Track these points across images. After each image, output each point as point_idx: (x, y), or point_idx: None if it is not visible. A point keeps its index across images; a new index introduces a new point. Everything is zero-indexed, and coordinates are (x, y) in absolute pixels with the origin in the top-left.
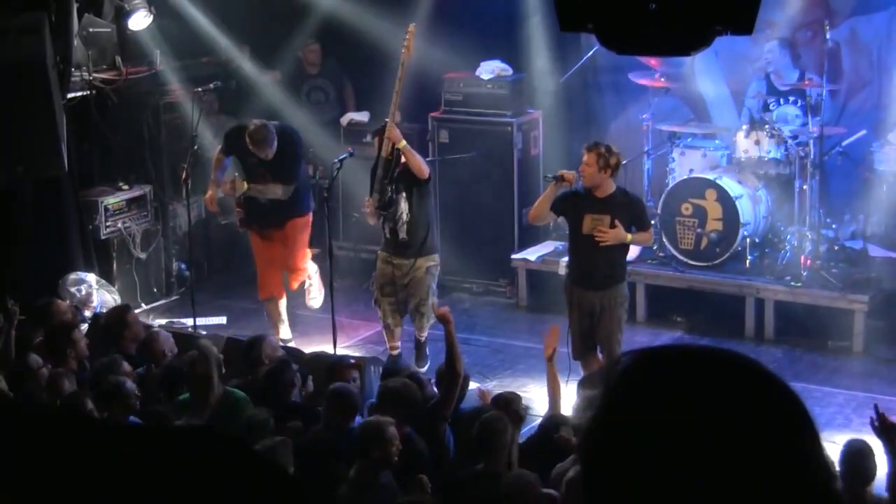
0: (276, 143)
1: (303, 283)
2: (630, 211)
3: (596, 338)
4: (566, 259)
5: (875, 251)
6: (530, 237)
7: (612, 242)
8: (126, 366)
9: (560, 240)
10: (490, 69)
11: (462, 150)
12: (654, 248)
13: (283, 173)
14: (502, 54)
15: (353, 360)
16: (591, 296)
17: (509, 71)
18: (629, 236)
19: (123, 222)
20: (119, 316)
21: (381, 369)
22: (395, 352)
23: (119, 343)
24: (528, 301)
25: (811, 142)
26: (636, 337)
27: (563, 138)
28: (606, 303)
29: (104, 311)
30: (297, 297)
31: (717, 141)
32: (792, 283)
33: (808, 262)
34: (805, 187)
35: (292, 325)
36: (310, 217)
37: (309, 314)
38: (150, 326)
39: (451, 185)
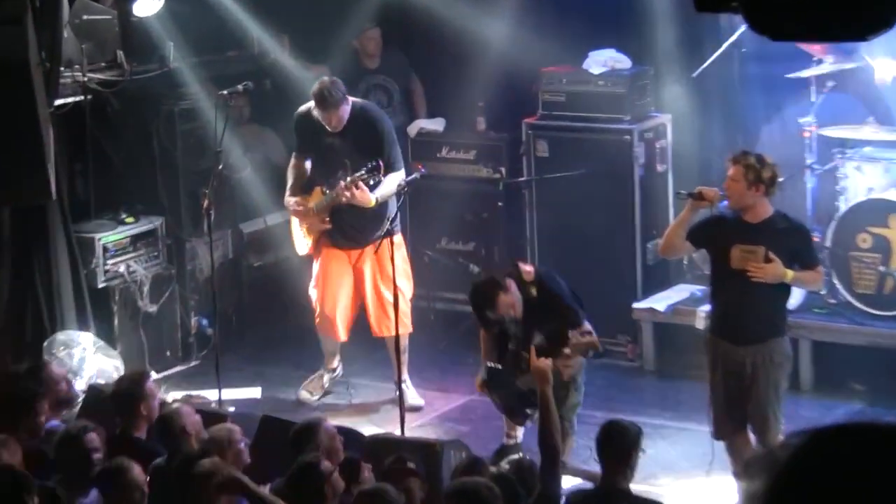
0: (349, 109)
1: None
2: (791, 242)
3: (746, 409)
4: (706, 307)
5: None
6: (657, 279)
7: (769, 281)
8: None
9: (697, 282)
10: (601, 61)
11: (566, 166)
12: (823, 292)
13: (373, 160)
14: (617, 42)
15: (412, 466)
16: (740, 352)
17: (627, 63)
18: (790, 274)
19: (128, 265)
20: (131, 386)
21: (464, 455)
22: (513, 440)
23: (130, 423)
24: (655, 364)
25: None
26: (800, 410)
27: (698, 150)
28: (760, 361)
29: (103, 381)
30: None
31: None
32: None
33: None
34: None
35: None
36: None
37: (371, 383)
38: (165, 402)
39: (552, 211)
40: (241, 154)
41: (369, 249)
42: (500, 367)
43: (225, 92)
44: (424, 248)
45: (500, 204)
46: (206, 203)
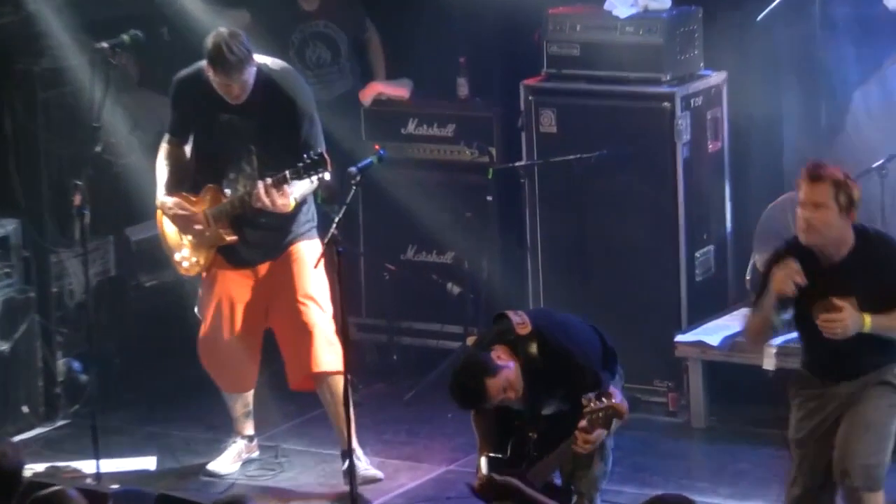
0: (255, 73)
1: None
2: (884, 275)
3: (836, 445)
4: (779, 340)
5: None
6: (709, 302)
7: (850, 334)
8: None
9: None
10: (630, 0)
11: (580, 145)
12: None
13: (282, 145)
14: None
15: None
16: (841, 389)
17: (667, 2)
18: (868, 321)
19: None
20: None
21: None
22: None
23: None
24: (706, 419)
25: None
26: None
27: (765, 121)
28: (871, 380)
29: None
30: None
31: None
32: None
33: None
34: None
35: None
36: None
37: (313, 448)
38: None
39: (562, 209)
40: (128, 132)
41: (282, 260)
42: (502, 456)
43: (104, 44)
44: (383, 261)
45: (489, 198)
46: (77, 199)
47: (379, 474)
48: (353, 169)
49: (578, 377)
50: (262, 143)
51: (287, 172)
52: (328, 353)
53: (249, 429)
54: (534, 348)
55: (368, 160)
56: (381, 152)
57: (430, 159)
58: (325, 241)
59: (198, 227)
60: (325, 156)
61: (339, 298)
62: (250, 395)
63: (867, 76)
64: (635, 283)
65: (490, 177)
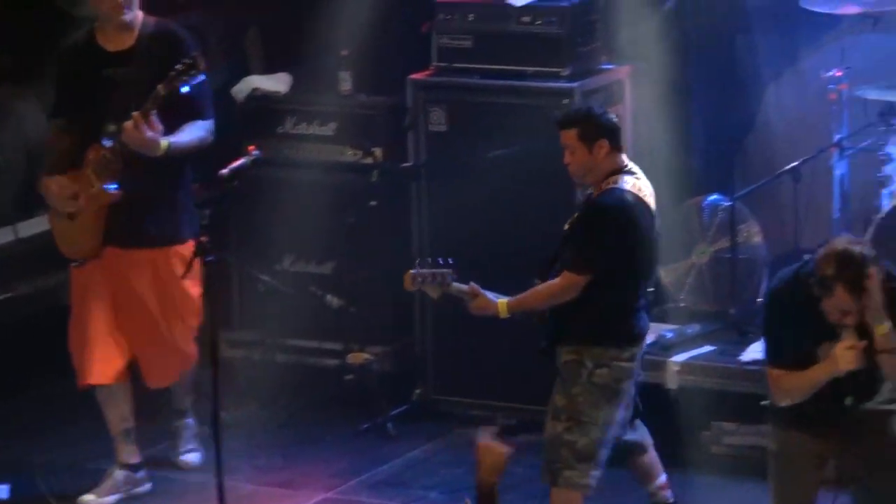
0: (140, 19)
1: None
2: None
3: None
4: (682, 356)
5: None
6: None
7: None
8: None
9: (670, 319)
10: None
11: (473, 145)
12: None
13: (180, 105)
14: None
15: None
16: (834, 433)
17: None
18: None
19: None
20: None
21: None
22: None
23: None
24: None
25: None
26: None
27: (672, 117)
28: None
29: None
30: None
31: None
32: None
33: None
34: None
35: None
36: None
37: (177, 476)
38: None
39: (454, 214)
40: None
41: (157, 254)
42: None
43: None
44: (257, 271)
45: (373, 203)
46: None
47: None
48: (224, 171)
49: None
50: (145, 92)
51: (159, 87)
52: (177, 362)
53: (132, 456)
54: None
55: (242, 161)
56: (256, 153)
57: (310, 160)
58: (194, 248)
59: (80, 198)
60: (197, 58)
61: (209, 311)
62: (128, 407)
63: (781, 71)
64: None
65: (375, 179)
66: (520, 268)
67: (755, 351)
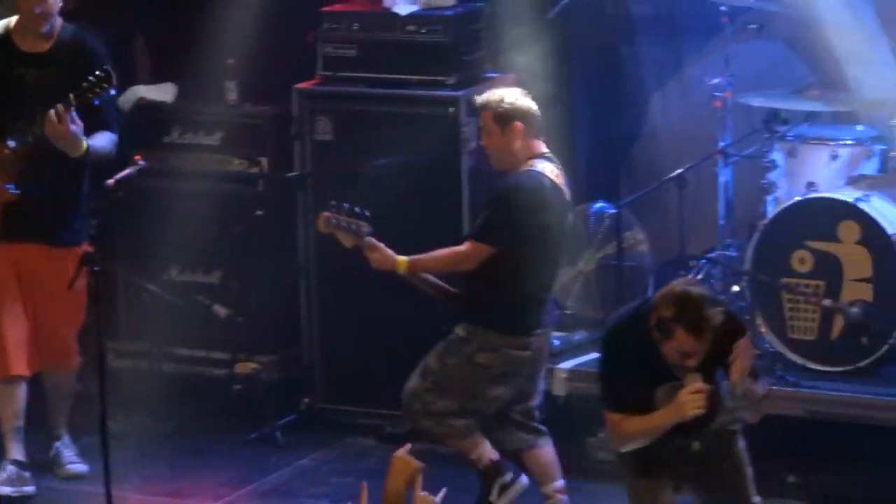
0: (59, 25)
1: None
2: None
3: None
4: (570, 363)
5: None
6: None
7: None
8: None
9: (557, 326)
10: None
11: (359, 154)
12: None
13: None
14: None
15: None
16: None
17: None
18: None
19: None
20: None
21: None
22: None
23: None
24: None
25: None
26: None
27: (559, 125)
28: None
29: None
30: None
31: (861, 127)
32: None
33: None
34: None
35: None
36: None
37: (63, 487)
38: None
39: None
40: None
41: (56, 253)
42: None
43: None
44: (144, 281)
45: (259, 213)
46: None
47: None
48: (110, 181)
49: None
50: (55, 98)
51: (71, 95)
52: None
53: (20, 453)
54: None
55: (128, 171)
56: (142, 162)
57: (196, 170)
58: (80, 258)
59: None
60: (111, 72)
61: (96, 321)
62: (21, 404)
63: (666, 78)
64: (419, 303)
65: (261, 189)
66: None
67: None
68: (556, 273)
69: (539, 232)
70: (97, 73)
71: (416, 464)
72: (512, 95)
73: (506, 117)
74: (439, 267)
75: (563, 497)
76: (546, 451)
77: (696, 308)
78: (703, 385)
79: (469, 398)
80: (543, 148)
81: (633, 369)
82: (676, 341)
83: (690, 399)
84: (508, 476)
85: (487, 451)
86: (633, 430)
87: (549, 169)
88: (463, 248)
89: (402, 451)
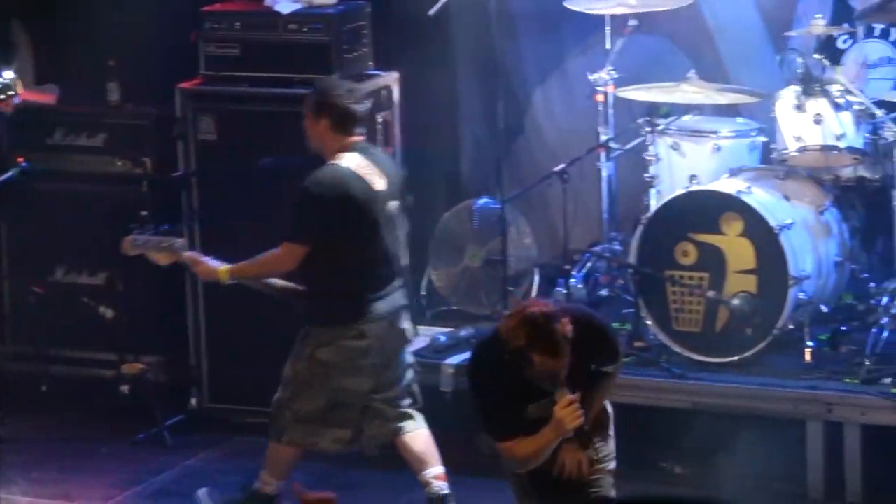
0: None
1: None
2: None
3: None
4: (456, 359)
5: None
6: None
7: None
8: None
9: (442, 322)
10: None
11: (243, 153)
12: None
13: None
14: None
15: None
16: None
17: None
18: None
19: None
20: None
21: None
22: None
23: None
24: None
25: None
26: None
27: (441, 123)
28: None
29: None
30: None
31: (741, 119)
32: None
33: None
34: None
35: None
36: None
37: None
38: None
39: (225, 224)
40: None
41: None
42: None
43: None
44: (30, 283)
45: (144, 213)
46: None
47: None
48: None
49: None
50: None
51: None
52: None
53: None
54: None
55: (10, 174)
56: (25, 165)
57: (80, 172)
58: None
59: None
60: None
61: None
62: None
63: (547, 75)
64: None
65: (145, 189)
66: (293, 273)
67: None
68: (381, 261)
69: (346, 225)
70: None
71: (328, 495)
72: (327, 89)
73: (317, 110)
74: (260, 271)
75: (440, 483)
76: (418, 437)
77: (544, 330)
78: (573, 396)
79: (330, 396)
80: (357, 139)
81: (503, 395)
82: (537, 367)
83: (566, 414)
84: None
85: (276, 488)
86: (526, 453)
87: (356, 162)
88: (277, 250)
89: (306, 492)
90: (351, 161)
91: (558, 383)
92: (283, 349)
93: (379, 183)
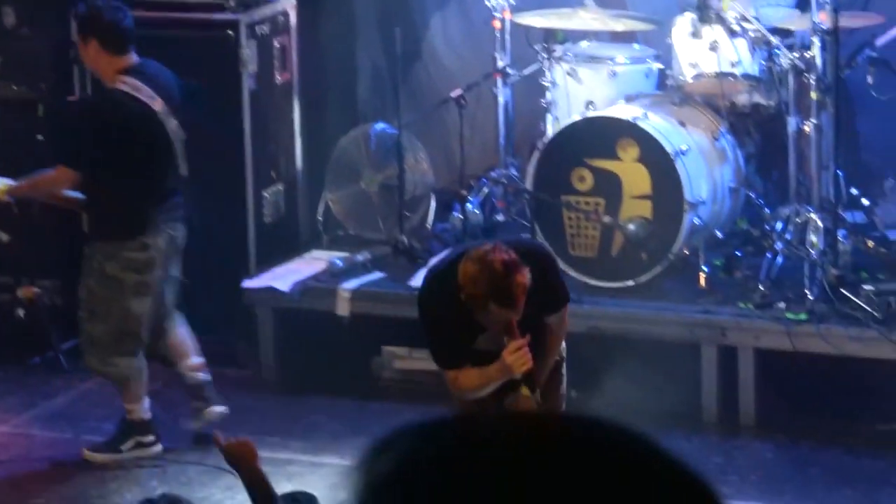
0: None
1: None
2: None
3: None
4: (352, 283)
5: None
6: (280, 244)
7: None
8: None
9: (339, 246)
10: None
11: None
12: None
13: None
14: None
15: None
16: None
17: None
18: None
19: None
20: None
21: None
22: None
23: None
24: (278, 373)
25: (817, 42)
26: None
27: (338, 48)
28: None
29: None
30: None
31: (638, 46)
32: (789, 317)
33: (821, 273)
34: (807, 129)
35: None
36: None
37: None
38: None
39: (112, 145)
40: None
41: None
42: None
43: None
44: None
45: (40, 137)
46: None
47: None
48: None
49: None
50: None
51: None
52: None
53: None
54: None
55: None
56: None
57: None
58: None
59: None
60: None
61: None
62: None
63: (445, 0)
64: (201, 231)
65: (41, 114)
66: (186, 197)
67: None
68: (161, 177)
69: (121, 148)
70: None
71: (245, 439)
72: (94, 10)
73: (83, 32)
74: (38, 191)
75: (199, 374)
76: (178, 333)
77: (504, 282)
78: (522, 341)
79: (120, 319)
80: (133, 60)
81: (452, 327)
82: (492, 314)
83: (515, 358)
84: (150, 439)
85: (143, 411)
86: (470, 385)
87: (132, 85)
88: (52, 172)
89: (224, 440)
90: (127, 84)
91: (511, 330)
92: (187, 270)
93: (156, 103)
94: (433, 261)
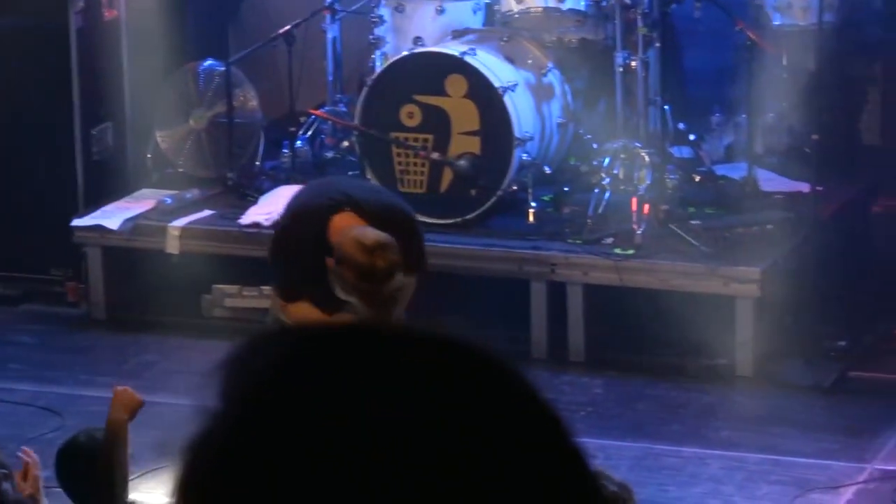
0: None
1: None
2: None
3: None
4: (182, 221)
5: (771, 182)
6: (109, 183)
7: None
8: None
9: (168, 185)
10: None
11: None
12: None
13: None
14: None
15: None
16: None
17: None
18: None
19: None
20: None
21: None
22: None
23: None
24: (107, 309)
25: None
26: None
27: None
28: None
29: None
30: None
31: None
32: (617, 252)
33: (647, 208)
34: (634, 64)
35: None
36: None
37: None
38: None
39: None
40: None
41: None
42: None
43: None
44: None
45: None
46: None
47: None
48: None
49: None
50: None
51: None
52: None
53: None
54: None
55: None
56: None
57: None
58: None
59: None
60: None
61: None
62: None
63: None
64: (29, 170)
65: None
66: (14, 143)
67: (254, 215)
68: None
69: None
70: None
71: (138, 397)
72: None
73: None
74: None
75: None
76: None
77: (375, 276)
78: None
79: None
80: None
81: (301, 265)
82: (351, 284)
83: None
84: None
85: None
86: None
87: None
88: None
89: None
90: None
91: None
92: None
93: None
94: (299, 191)
